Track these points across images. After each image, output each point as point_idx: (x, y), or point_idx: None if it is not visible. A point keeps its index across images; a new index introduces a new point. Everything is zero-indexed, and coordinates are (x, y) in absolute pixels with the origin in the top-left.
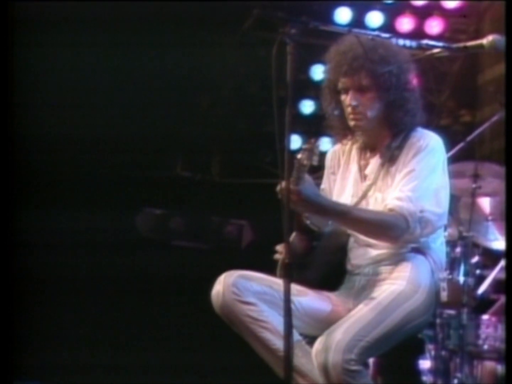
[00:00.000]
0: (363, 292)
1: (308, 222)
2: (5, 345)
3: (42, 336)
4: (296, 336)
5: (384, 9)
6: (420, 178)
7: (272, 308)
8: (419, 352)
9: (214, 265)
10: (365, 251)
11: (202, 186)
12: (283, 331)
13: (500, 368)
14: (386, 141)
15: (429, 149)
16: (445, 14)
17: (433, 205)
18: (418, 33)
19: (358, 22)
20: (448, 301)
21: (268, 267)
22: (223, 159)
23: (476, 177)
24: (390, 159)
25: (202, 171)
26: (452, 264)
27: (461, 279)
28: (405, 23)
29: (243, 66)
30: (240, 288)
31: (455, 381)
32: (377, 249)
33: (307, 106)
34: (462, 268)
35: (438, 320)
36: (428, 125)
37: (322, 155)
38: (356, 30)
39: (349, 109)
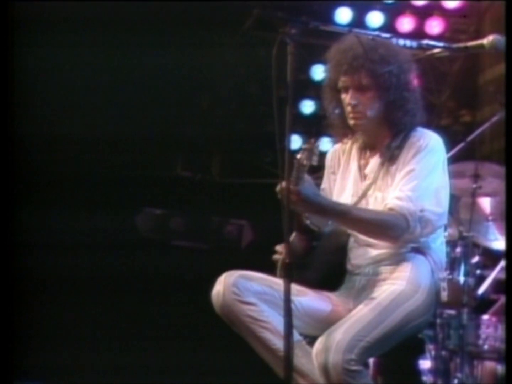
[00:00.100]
0: (363, 292)
1: (308, 222)
2: (5, 345)
3: (42, 336)
4: (296, 336)
5: (385, 9)
6: (420, 178)
7: (272, 308)
8: (419, 352)
9: (214, 265)
10: (365, 251)
11: (202, 186)
12: (283, 331)
13: (500, 368)
14: (386, 140)
15: (429, 148)
16: (445, 14)
17: (433, 204)
18: (418, 33)
19: (358, 22)
20: (448, 301)
21: (268, 267)
22: (223, 159)
23: (476, 177)
24: (390, 158)
25: (202, 171)
26: (452, 264)
27: (461, 279)
28: (406, 23)
29: (243, 66)
30: (240, 288)
31: (455, 381)
32: (377, 249)
33: (307, 106)
34: (462, 268)
35: (438, 320)
36: (428, 125)
37: (322, 155)
38: (356, 30)
39: (348, 108)
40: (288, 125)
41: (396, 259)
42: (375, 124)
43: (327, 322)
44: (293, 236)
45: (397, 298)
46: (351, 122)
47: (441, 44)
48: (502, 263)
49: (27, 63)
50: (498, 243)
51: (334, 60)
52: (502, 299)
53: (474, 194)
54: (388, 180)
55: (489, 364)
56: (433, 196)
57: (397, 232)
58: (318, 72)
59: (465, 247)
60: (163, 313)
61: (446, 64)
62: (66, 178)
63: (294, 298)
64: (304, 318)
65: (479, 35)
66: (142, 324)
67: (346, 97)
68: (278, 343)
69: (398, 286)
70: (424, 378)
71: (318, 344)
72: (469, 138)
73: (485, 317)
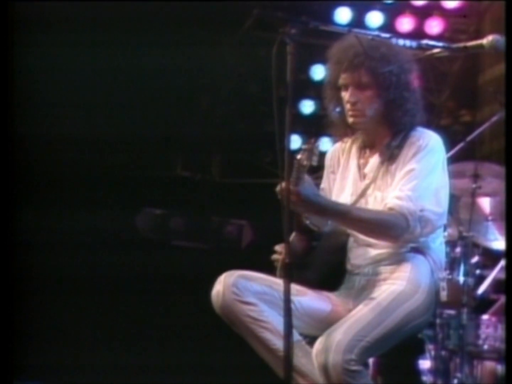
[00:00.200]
0: (363, 292)
1: (307, 222)
2: (5, 345)
3: (42, 336)
4: (296, 336)
5: (384, 9)
6: (420, 178)
7: (272, 308)
8: (419, 352)
9: (214, 265)
10: (365, 251)
11: (202, 186)
12: (283, 331)
13: (500, 368)
14: (385, 140)
15: (429, 148)
16: (445, 14)
17: (433, 204)
18: (418, 33)
19: (358, 22)
20: (448, 301)
21: (268, 267)
22: (223, 159)
23: (476, 177)
24: (389, 158)
25: (202, 171)
26: (452, 264)
27: (461, 279)
28: (405, 23)
29: (243, 66)
30: (240, 288)
31: (455, 381)
32: (377, 249)
33: (307, 106)
34: (462, 268)
35: (438, 320)
36: (428, 125)
37: (322, 155)
38: (356, 30)
39: (348, 106)
40: (288, 125)
41: (396, 259)
42: (374, 123)
43: (327, 322)
44: (293, 236)
45: (397, 298)
46: (350, 120)
47: (441, 44)
48: (502, 263)
49: (27, 63)
50: (498, 243)
51: (335, 57)
52: (502, 299)
53: (474, 194)
54: (387, 179)
55: (489, 364)
56: (433, 196)
57: (397, 231)
58: (318, 72)
59: (465, 247)
60: (163, 313)
61: (446, 64)
62: (66, 178)
63: (294, 298)
64: (304, 318)
65: (479, 35)
66: (142, 324)
67: (346, 95)
68: (278, 343)
69: (398, 286)
70: (424, 378)
71: (318, 344)
72: (469, 138)
73: (485, 317)
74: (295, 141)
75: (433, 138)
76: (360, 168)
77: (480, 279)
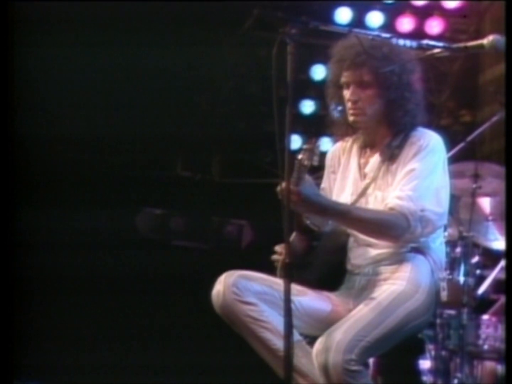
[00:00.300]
0: (363, 292)
1: (308, 222)
2: (5, 345)
3: (42, 336)
4: (296, 336)
5: (384, 9)
6: (421, 178)
7: (273, 308)
8: (419, 352)
9: (214, 265)
10: (365, 250)
11: (202, 186)
12: (284, 331)
13: (500, 368)
14: (386, 139)
15: (430, 148)
16: (445, 14)
17: (433, 204)
18: (418, 33)
19: (358, 22)
20: (448, 301)
21: (268, 267)
22: (223, 159)
23: (476, 177)
24: (390, 157)
25: (202, 171)
26: (452, 264)
27: (461, 279)
28: (405, 23)
29: (243, 66)
30: (240, 288)
31: (455, 381)
32: (377, 248)
33: (307, 106)
34: (462, 268)
35: (438, 320)
36: (428, 125)
37: (322, 155)
38: (356, 30)
39: (349, 104)
40: (288, 125)
41: (396, 259)
42: (375, 122)
43: (327, 322)
44: (293, 236)
45: (397, 298)
46: (351, 118)
47: (441, 44)
48: (502, 263)
49: (27, 63)
50: (498, 243)
51: (338, 55)
52: (502, 299)
53: (474, 194)
54: (388, 179)
55: (489, 364)
56: (433, 196)
57: (398, 231)
58: (318, 72)
59: (465, 247)
60: (163, 313)
61: (446, 64)
62: (66, 178)
63: (294, 298)
64: (304, 318)
65: (479, 35)
66: (142, 324)
67: (347, 93)
68: (278, 343)
69: (398, 286)
70: (424, 378)
71: (318, 344)
72: (469, 138)
73: (485, 317)
74: (295, 141)
75: (433, 138)
76: (360, 167)
77: (480, 279)
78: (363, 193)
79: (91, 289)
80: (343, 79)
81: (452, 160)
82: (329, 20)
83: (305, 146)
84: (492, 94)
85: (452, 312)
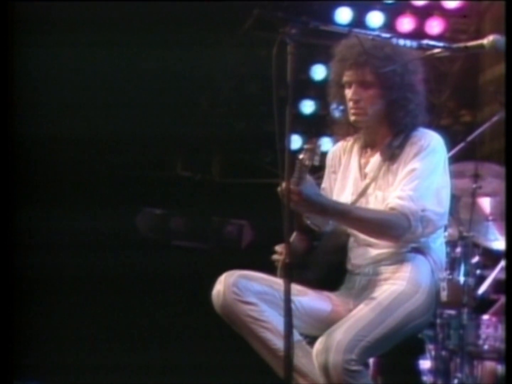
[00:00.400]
0: (364, 292)
1: (308, 222)
2: (5, 345)
3: (42, 336)
4: (296, 336)
5: (385, 9)
6: (422, 178)
7: (273, 308)
8: (419, 352)
9: (214, 265)
10: (365, 250)
11: (202, 186)
12: (284, 331)
13: (500, 368)
14: (387, 139)
15: (431, 148)
16: (446, 14)
17: (434, 204)
18: (418, 33)
19: (358, 22)
20: (448, 301)
21: (268, 267)
22: (223, 159)
23: (476, 177)
24: (391, 157)
25: (202, 171)
26: (452, 264)
27: (461, 279)
28: (406, 23)
29: (243, 66)
30: (240, 288)
31: (455, 381)
32: (377, 248)
33: (307, 106)
34: (462, 268)
35: (438, 320)
36: (428, 125)
37: (323, 155)
38: (356, 30)
39: (350, 104)
40: (288, 125)
41: (396, 259)
42: (376, 122)
43: (327, 322)
44: (293, 236)
45: (398, 298)
46: (352, 118)
47: (441, 44)
48: (502, 263)
49: (27, 63)
50: (498, 243)
51: (340, 55)
52: (502, 299)
53: (474, 194)
54: (388, 179)
55: (489, 364)
56: (434, 196)
57: (399, 231)
58: (318, 72)
59: (465, 247)
60: (163, 313)
61: (446, 64)
62: (66, 178)
63: (295, 298)
64: (304, 318)
65: (479, 35)
66: (142, 324)
67: (349, 93)
68: (278, 343)
69: (398, 286)
70: (424, 378)
71: (318, 344)
72: (469, 138)
73: (485, 317)
74: (295, 141)
75: (434, 138)
76: (361, 167)
77: (480, 279)
78: (363, 193)
79: (91, 289)
80: (345, 79)
81: (452, 160)
82: (329, 20)
83: (306, 146)
84: (492, 94)
85: (452, 312)
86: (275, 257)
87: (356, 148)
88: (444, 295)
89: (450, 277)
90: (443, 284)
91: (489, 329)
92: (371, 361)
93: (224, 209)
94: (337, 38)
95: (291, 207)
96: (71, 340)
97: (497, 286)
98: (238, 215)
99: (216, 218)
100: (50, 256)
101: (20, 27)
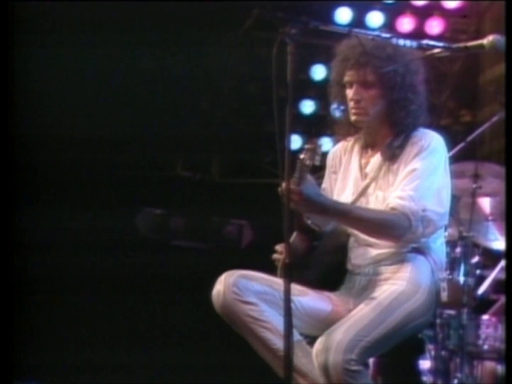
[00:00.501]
0: (364, 292)
1: (309, 222)
2: (5, 345)
3: (42, 336)
4: (296, 336)
5: (385, 9)
6: (422, 178)
7: (273, 308)
8: (419, 352)
9: (214, 265)
10: (366, 250)
11: (202, 186)
12: (284, 331)
13: (500, 368)
14: (387, 139)
15: (431, 148)
16: (446, 14)
17: (435, 204)
18: (418, 33)
19: (358, 22)
20: (448, 301)
21: (268, 267)
22: (223, 159)
23: (476, 177)
24: (391, 157)
25: (202, 171)
26: (452, 264)
27: (461, 279)
28: (406, 23)
29: (243, 66)
30: (240, 288)
31: (455, 381)
32: (378, 248)
33: (307, 106)
34: (462, 268)
35: (438, 320)
36: (428, 125)
37: (323, 155)
38: (356, 30)
39: (351, 103)
40: (288, 125)
41: (397, 259)
42: (377, 122)
43: (327, 322)
44: (294, 236)
45: (398, 298)
46: (353, 117)
47: (441, 44)
48: (502, 263)
49: (27, 63)
50: (498, 243)
51: (342, 55)
52: (502, 299)
53: (474, 194)
54: (389, 179)
55: (489, 364)
56: (435, 196)
57: (399, 231)
58: (318, 72)
59: (465, 247)
60: (163, 313)
61: (446, 64)
62: (66, 178)
63: (295, 298)
64: (304, 318)
65: (479, 35)
66: (142, 324)
67: (350, 93)
68: (278, 343)
69: (399, 286)
70: (424, 378)
71: (318, 344)
72: (469, 138)
73: (485, 317)
74: (295, 141)
75: (435, 138)
76: (361, 167)
77: (480, 279)
78: (364, 193)
79: (91, 289)
80: (346, 78)
81: (452, 160)
82: (329, 20)
83: (307, 146)
84: (492, 94)
85: (452, 312)
86: (275, 257)
87: (356, 148)
88: (444, 295)
89: (450, 277)
90: (443, 284)
91: (489, 329)
92: (371, 361)
93: (224, 209)
94: (337, 38)
95: (292, 207)
96: (71, 340)
97: (497, 286)
98: (238, 215)
99: (216, 218)
100: (50, 256)
101: (20, 27)
